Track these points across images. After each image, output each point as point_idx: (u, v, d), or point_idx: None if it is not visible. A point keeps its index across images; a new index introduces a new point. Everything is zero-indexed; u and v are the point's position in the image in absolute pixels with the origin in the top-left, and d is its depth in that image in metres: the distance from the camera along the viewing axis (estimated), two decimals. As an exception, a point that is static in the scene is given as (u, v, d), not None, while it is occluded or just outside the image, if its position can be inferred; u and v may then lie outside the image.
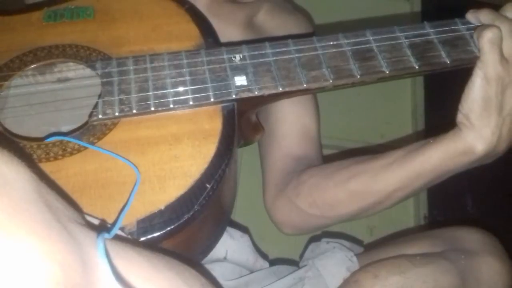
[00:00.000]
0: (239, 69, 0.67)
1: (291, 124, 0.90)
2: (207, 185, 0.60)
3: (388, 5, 1.55)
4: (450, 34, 0.69)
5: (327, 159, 0.91)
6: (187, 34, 0.73)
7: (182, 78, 0.66)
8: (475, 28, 0.68)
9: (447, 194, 1.27)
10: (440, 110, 1.36)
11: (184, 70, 0.66)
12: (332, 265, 0.83)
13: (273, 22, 0.94)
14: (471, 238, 0.81)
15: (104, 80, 0.66)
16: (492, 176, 1.24)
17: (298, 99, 0.90)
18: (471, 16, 0.70)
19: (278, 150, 0.90)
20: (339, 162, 0.81)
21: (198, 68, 0.67)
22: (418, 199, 1.30)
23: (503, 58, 0.63)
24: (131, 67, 0.67)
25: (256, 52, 0.68)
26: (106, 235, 0.41)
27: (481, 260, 0.77)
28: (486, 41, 0.63)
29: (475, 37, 0.66)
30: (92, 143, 0.62)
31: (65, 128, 0.65)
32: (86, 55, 0.70)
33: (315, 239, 0.93)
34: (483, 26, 0.65)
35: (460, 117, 0.66)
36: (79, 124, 0.64)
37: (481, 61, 0.64)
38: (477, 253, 0.78)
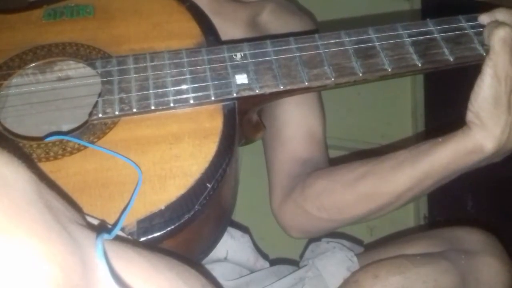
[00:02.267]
0: (240, 68, 0.66)
1: (297, 127, 0.89)
2: (208, 185, 0.60)
3: (388, 3, 1.55)
4: (453, 32, 0.69)
5: (331, 161, 0.90)
6: (187, 32, 0.73)
7: (182, 77, 0.65)
8: (482, 25, 0.67)
9: (447, 194, 1.27)
10: (440, 110, 1.36)
11: (185, 68, 0.66)
12: (332, 265, 0.83)
13: (276, 23, 0.94)
14: (471, 238, 0.81)
15: (104, 78, 0.66)
16: (492, 176, 1.24)
17: (304, 101, 0.90)
18: (485, 18, 0.69)
19: (284, 153, 0.89)
20: (347, 164, 0.80)
21: (198, 66, 0.66)
22: (418, 199, 1.30)
23: None
24: (131, 66, 0.67)
25: (257, 50, 0.68)
26: (106, 236, 0.41)
27: (481, 260, 0.77)
28: (498, 39, 0.63)
29: (485, 35, 0.66)
30: (92, 142, 0.61)
31: (65, 127, 0.65)
32: (86, 54, 0.70)
33: (315, 239, 0.93)
34: (495, 24, 0.65)
35: (470, 116, 0.66)
36: (79, 123, 0.64)
37: (491, 59, 0.63)
38: (477, 253, 0.78)
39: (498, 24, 0.65)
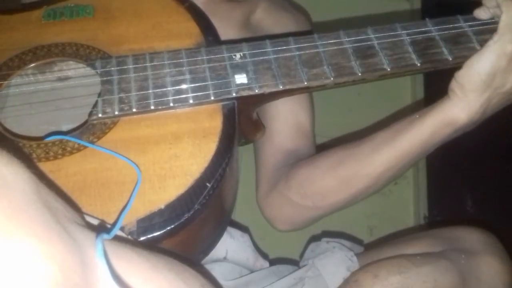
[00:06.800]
0: (239, 67, 0.67)
1: (285, 120, 0.90)
2: (208, 184, 0.60)
3: (388, 3, 1.55)
4: (452, 31, 0.69)
5: (319, 149, 0.90)
6: (187, 32, 0.73)
7: (182, 77, 0.65)
8: (480, 24, 0.68)
9: (447, 194, 1.27)
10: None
11: (184, 68, 0.66)
12: (332, 265, 0.83)
13: (270, 20, 0.94)
14: (471, 237, 0.81)
15: (104, 78, 0.66)
16: (492, 176, 1.24)
17: (293, 96, 0.90)
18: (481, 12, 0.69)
19: (271, 146, 0.90)
20: (327, 150, 0.81)
21: (198, 66, 0.67)
22: (418, 199, 1.30)
23: None
24: (131, 66, 0.67)
25: (257, 50, 0.68)
26: (106, 236, 0.41)
27: (481, 260, 0.77)
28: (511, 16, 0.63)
29: (502, 6, 0.65)
30: (92, 142, 0.61)
31: (65, 127, 0.65)
32: (85, 54, 0.70)
33: (315, 239, 0.93)
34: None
35: (453, 85, 0.66)
36: (79, 123, 0.64)
37: (498, 35, 0.63)
38: (477, 252, 0.78)
39: None
